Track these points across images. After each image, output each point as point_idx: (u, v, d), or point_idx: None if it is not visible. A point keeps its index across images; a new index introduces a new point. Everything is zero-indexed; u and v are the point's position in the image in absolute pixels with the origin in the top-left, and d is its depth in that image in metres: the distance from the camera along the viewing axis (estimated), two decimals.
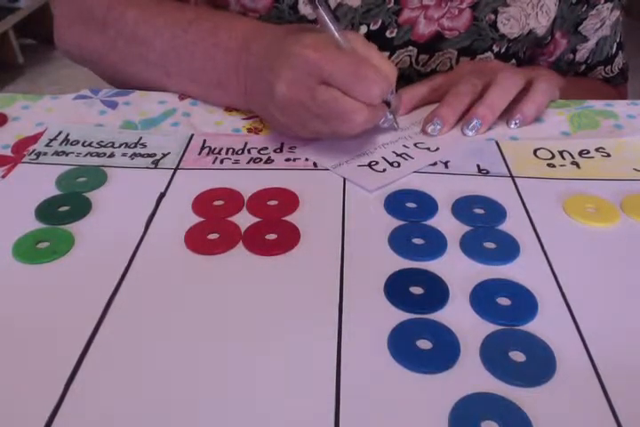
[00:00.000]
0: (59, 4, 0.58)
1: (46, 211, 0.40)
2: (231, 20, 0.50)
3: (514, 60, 0.61)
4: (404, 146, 0.47)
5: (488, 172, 0.44)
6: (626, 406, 0.27)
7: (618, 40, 0.66)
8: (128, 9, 0.52)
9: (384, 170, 0.44)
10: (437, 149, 0.47)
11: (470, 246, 0.37)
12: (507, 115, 0.49)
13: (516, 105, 0.49)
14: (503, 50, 0.58)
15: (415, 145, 0.47)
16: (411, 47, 0.57)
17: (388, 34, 0.55)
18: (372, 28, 0.55)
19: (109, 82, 0.61)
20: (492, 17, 0.56)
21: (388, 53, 0.56)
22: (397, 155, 0.46)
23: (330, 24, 0.40)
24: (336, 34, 0.41)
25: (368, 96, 0.40)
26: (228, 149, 0.47)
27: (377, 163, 0.45)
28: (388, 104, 0.44)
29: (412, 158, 0.45)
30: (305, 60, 0.40)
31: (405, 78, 0.58)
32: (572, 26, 0.61)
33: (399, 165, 0.44)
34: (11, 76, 2.29)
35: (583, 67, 0.66)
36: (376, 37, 0.42)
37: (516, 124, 0.49)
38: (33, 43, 2.51)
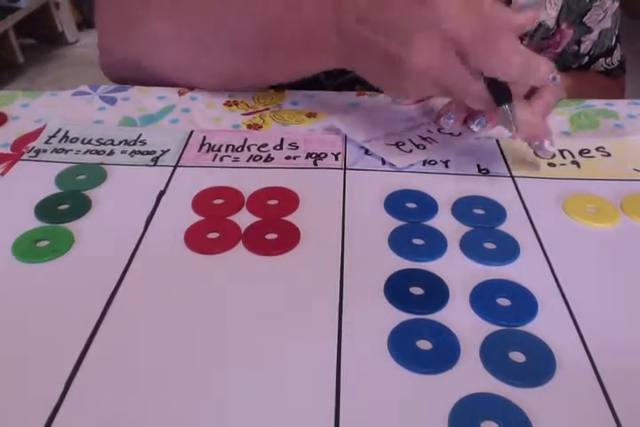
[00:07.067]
0: (102, 24, 0.57)
1: (46, 209, 0.40)
2: None
3: None
4: (429, 131, 0.49)
5: (488, 171, 0.44)
6: (626, 407, 0.27)
7: (616, 32, 0.66)
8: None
9: (410, 151, 0.46)
10: (460, 134, 0.48)
11: (470, 247, 0.37)
12: None
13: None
14: None
15: (439, 130, 0.49)
16: None
17: None
18: None
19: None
20: None
21: None
22: (422, 138, 0.48)
23: None
24: None
25: (539, 80, 0.39)
26: (227, 146, 0.47)
27: (404, 144, 0.47)
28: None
29: (437, 142, 0.47)
30: (447, 19, 0.34)
31: None
32: (578, 16, 0.61)
33: (424, 147, 0.47)
34: (11, 75, 2.29)
35: (586, 59, 0.66)
36: None
37: None
38: (33, 43, 2.50)
